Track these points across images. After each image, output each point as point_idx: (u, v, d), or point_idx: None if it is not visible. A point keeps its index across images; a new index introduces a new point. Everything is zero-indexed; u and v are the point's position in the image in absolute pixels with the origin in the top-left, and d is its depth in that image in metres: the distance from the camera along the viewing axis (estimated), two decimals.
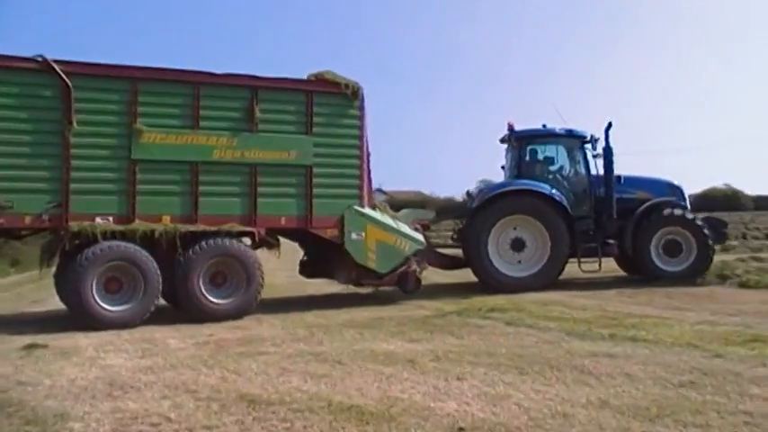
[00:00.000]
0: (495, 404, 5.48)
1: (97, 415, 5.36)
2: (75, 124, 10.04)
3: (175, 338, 8.94)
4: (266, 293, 11.39)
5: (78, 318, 9.96)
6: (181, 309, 10.85)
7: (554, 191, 14.50)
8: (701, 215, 15.81)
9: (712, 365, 6.66)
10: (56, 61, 10.01)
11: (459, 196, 41.64)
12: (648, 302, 11.62)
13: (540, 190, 14.37)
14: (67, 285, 10.02)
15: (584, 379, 6.27)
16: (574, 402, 5.49)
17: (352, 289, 13.21)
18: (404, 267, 12.39)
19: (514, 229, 14.35)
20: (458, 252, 15.29)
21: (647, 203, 14.91)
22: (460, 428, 4.87)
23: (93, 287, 9.85)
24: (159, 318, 10.29)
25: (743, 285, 13.30)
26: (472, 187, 15.88)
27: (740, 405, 5.34)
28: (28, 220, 9.94)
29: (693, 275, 14.41)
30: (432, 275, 14.93)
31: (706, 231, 14.68)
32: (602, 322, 9.42)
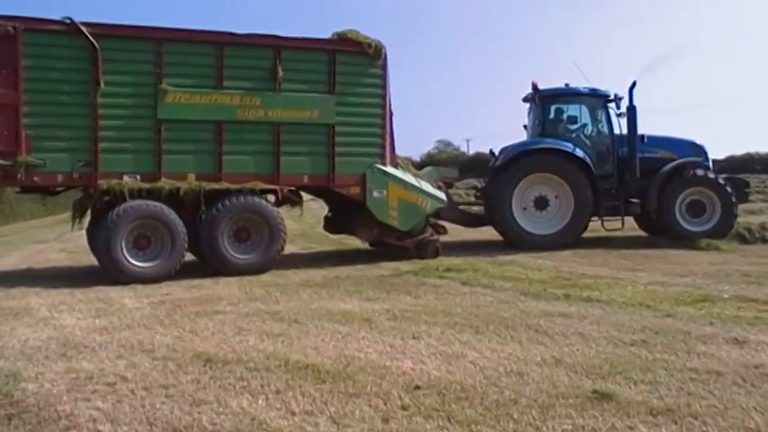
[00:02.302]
0: (450, 363, 5.54)
1: (51, 375, 5.30)
2: (102, 85, 10.22)
3: (131, 298, 8.85)
4: None
5: (109, 273, 10.22)
6: (206, 263, 11.09)
7: (577, 150, 14.58)
8: (723, 175, 15.90)
9: (663, 324, 6.81)
10: (83, 23, 10.14)
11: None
12: (603, 263, 11.80)
13: (563, 149, 14.50)
14: (98, 242, 10.37)
15: (538, 338, 6.37)
16: (528, 361, 5.57)
17: (308, 249, 13.19)
18: (425, 235, 12.65)
19: (538, 187, 14.52)
20: (480, 210, 15.62)
21: (672, 164, 14.96)
22: (416, 387, 4.91)
23: (123, 244, 10.17)
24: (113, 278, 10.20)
25: (694, 248, 13.57)
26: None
27: (687, 362, 5.48)
28: (60, 178, 10.29)
29: (718, 235, 14.55)
30: None
31: (730, 191, 14.84)
32: (557, 283, 9.56)
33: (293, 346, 6.16)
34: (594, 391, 4.72)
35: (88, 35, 10.10)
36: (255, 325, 7.08)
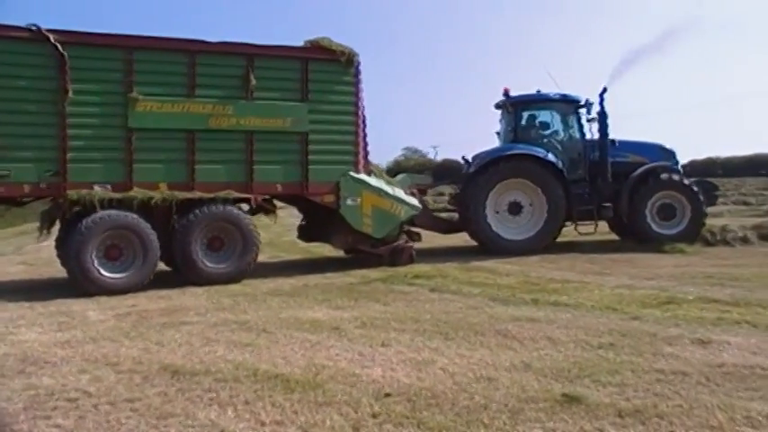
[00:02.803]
0: (420, 369, 5.53)
1: (7, 393, 5.14)
2: (70, 94, 10.07)
3: (95, 310, 8.69)
4: None
5: (79, 285, 10.02)
6: (180, 273, 11.00)
7: (550, 155, 14.70)
8: (692, 178, 16.05)
9: (629, 327, 6.89)
10: (50, 31, 10.00)
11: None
12: (570, 268, 11.89)
13: (536, 154, 14.62)
14: (68, 253, 10.14)
15: (507, 343, 6.39)
16: (497, 366, 5.59)
17: (276, 257, 13.12)
18: (399, 242, 12.70)
19: (511, 193, 14.62)
20: (454, 216, 15.69)
21: (643, 168, 15.13)
22: (386, 394, 4.90)
23: (94, 255, 10.03)
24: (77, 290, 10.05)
25: (660, 251, 13.74)
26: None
27: (654, 364, 5.54)
28: (27, 188, 10.06)
29: (688, 238, 14.74)
30: None
31: (700, 196, 15.01)
32: (526, 288, 9.61)
33: (262, 356, 6.11)
34: (563, 395, 4.75)
35: (55, 43, 9.97)
36: (224, 335, 7.00)
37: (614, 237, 15.77)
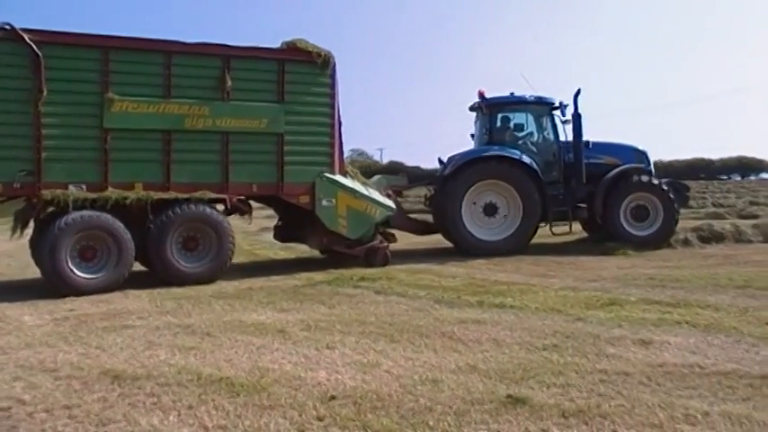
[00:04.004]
0: (365, 372, 5.51)
1: None
2: (45, 93, 10.01)
3: (31, 315, 8.42)
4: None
5: (53, 286, 9.96)
6: (155, 273, 11.02)
7: (524, 157, 14.81)
8: (664, 180, 16.28)
9: (574, 329, 6.97)
10: (24, 30, 9.94)
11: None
12: (515, 270, 12.00)
13: (511, 156, 14.73)
14: (42, 253, 10.10)
15: (452, 345, 6.40)
16: (443, 368, 5.59)
17: None
18: (374, 242, 12.74)
19: (487, 194, 14.74)
20: (429, 218, 15.81)
21: (617, 170, 15.32)
22: (332, 397, 4.87)
23: (68, 255, 9.98)
24: (13, 293, 9.81)
25: (604, 253, 13.96)
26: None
27: (597, 364, 5.62)
28: (0, 188, 9.98)
29: (661, 239, 15.06)
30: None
31: (672, 197, 15.25)
32: (471, 290, 9.65)
33: (206, 360, 6.01)
34: (508, 396, 4.77)
35: (29, 42, 9.89)
36: (166, 339, 6.87)
37: (560, 239, 15.95)
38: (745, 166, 78.48)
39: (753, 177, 67.01)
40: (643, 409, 4.54)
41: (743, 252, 14.01)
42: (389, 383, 5.18)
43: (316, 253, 14.98)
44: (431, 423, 4.34)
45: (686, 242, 15.23)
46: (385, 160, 56.66)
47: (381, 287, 10.02)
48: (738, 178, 66.88)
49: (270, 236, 17.78)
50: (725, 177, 63.95)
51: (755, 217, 21.90)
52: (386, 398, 4.83)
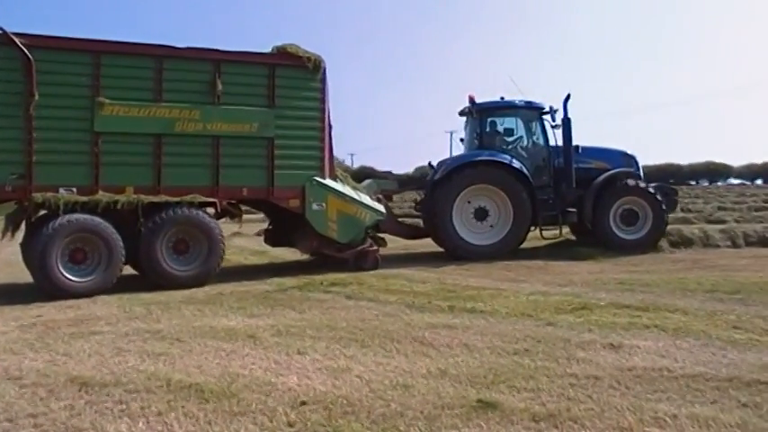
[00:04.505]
0: (336, 377, 5.49)
1: None
2: (37, 97, 10.08)
3: None
4: None
5: (43, 289, 10.06)
6: (145, 276, 11.13)
7: (515, 161, 14.88)
8: (653, 184, 16.39)
9: (544, 333, 7.00)
10: (16, 34, 10.03)
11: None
12: (486, 275, 12.02)
13: (502, 160, 14.80)
14: (32, 256, 10.20)
15: (423, 350, 6.40)
16: (414, 373, 5.59)
17: None
18: (365, 246, 12.80)
19: (477, 198, 14.81)
20: (418, 222, 15.97)
21: (606, 174, 15.40)
22: (302, 402, 4.84)
23: (58, 258, 10.03)
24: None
25: (574, 258, 14.05)
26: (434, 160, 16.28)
27: (568, 368, 5.65)
28: None
29: (650, 242, 15.21)
30: (279, 251, 14.89)
31: (661, 200, 15.37)
32: (442, 295, 9.65)
33: (175, 366, 5.95)
34: (479, 401, 4.78)
35: (21, 46, 9.97)
36: (135, 345, 6.79)
37: (529, 244, 16.01)
38: (713, 172, 79.70)
39: (720, 183, 68.01)
40: (613, 412, 4.57)
41: (711, 257, 14.19)
42: (360, 388, 5.17)
43: (287, 258, 14.97)
44: (402, 428, 4.33)
45: (656, 247, 15.36)
46: (356, 165, 56.76)
47: (352, 292, 10.00)
48: (706, 183, 67.87)
49: (240, 241, 17.75)
50: (693, 183, 64.82)
51: (723, 222, 22.18)
52: (356, 403, 4.82)
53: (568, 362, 5.88)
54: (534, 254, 14.92)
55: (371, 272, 12.26)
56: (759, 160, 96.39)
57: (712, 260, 13.57)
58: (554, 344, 6.52)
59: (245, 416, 4.60)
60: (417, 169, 62.00)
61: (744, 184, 74.18)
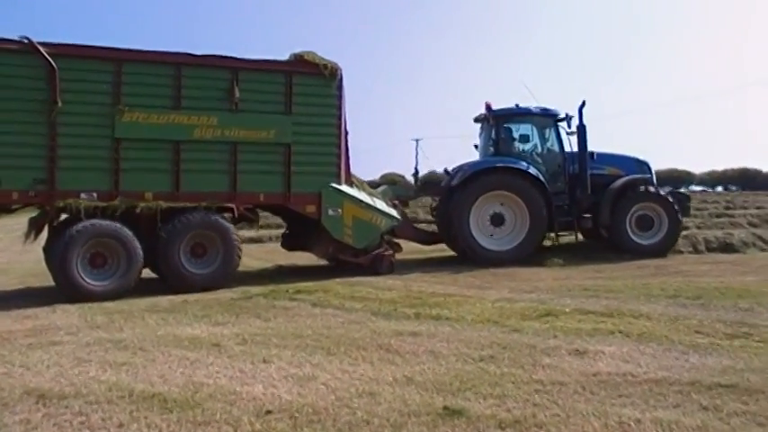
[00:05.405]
0: (302, 385, 5.45)
1: None
2: (60, 104, 10.38)
3: None
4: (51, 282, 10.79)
5: (64, 292, 10.30)
6: (164, 279, 11.40)
7: (531, 168, 15.01)
8: (665, 189, 16.61)
9: (510, 340, 7.02)
10: (41, 43, 10.35)
11: None
12: (452, 282, 12.04)
13: (518, 167, 14.95)
14: (54, 260, 10.48)
15: (389, 357, 6.39)
16: (380, 380, 5.57)
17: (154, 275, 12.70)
18: (380, 250, 13.04)
19: (494, 204, 14.95)
20: (434, 228, 16.06)
21: (623, 180, 15.59)
22: (268, 411, 4.80)
23: (78, 262, 10.32)
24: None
25: (539, 264, 14.13)
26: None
27: (533, 375, 5.67)
28: (15, 195, 10.41)
29: (665, 248, 15.46)
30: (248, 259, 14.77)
31: (676, 207, 15.56)
32: (408, 302, 9.64)
33: (138, 376, 5.86)
34: (445, 408, 4.77)
35: (46, 55, 10.27)
36: (97, 355, 6.67)
37: None
38: (676, 179, 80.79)
39: (683, 189, 69.09)
40: (578, 418, 4.59)
41: (673, 263, 14.36)
42: (326, 397, 5.14)
43: (252, 266, 14.84)
44: None
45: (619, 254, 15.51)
46: None
47: (318, 300, 9.95)
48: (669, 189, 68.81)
49: None
50: None
51: (685, 228, 22.44)
52: (322, 411, 4.78)
53: (534, 368, 5.90)
54: (500, 261, 14.95)
55: (337, 279, 12.21)
56: (720, 167, 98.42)
57: (675, 266, 13.75)
58: (520, 350, 6.53)
59: (209, 426, 4.54)
60: (383, 177, 62.15)
61: (705, 191, 75.50)
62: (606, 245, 15.68)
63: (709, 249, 16.42)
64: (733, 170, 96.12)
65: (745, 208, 31.26)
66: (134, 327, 8.18)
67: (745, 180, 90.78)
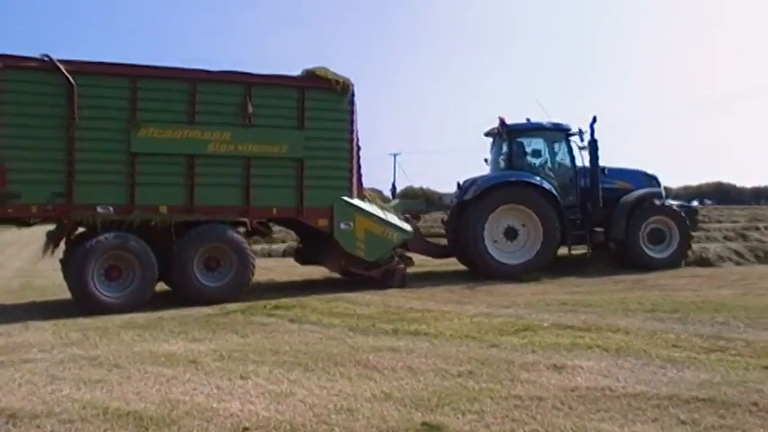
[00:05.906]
0: (279, 402, 5.41)
1: None
2: (78, 119, 10.61)
3: None
4: (37, 296, 10.64)
5: (81, 304, 10.57)
6: (178, 292, 11.58)
7: (545, 182, 15.09)
8: (675, 203, 16.80)
9: (488, 355, 7.01)
10: (60, 61, 10.58)
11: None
12: (430, 297, 12.00)
13: (532, 181, 15.04)
14: (71, 273, 10.72)
15: (367, 373, 6.35)
16: (358, 397, 5.54)
17: None
18: (392, 264, 13.11)
19: (507, 218, 15.00)
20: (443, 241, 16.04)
21: (636, 194, 15.77)
22: (245, 428, 4.76)
23: (95, 275, 10.57)
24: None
25: (517, 280, 14.15)
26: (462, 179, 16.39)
27: (512, 390, 5.66)
28: (34, 209, 10.64)
29: (676, 261, 15.66)
30: None
31: (687, 220, 15.74)
32: (386, 317, 9.61)
33: (113, 393, 5.78)
34: (424, 424, 4.75)
35: (65, 72, 10.50)
36: (71, 372, 6.57)
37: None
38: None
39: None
40: None
41: (651, 277, 14.42)
42: (304, 413, 5.09)
43: None
44: None
45: (597, 267, 15.60)
46: None
47: (295, 315, 9.89)
48: None
49: None
50: None
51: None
52: (300, 428, 4.75)
53: (512, 383, 5.89)
54: (477, 276, 14.97)
55: (315, 295, 12.14)
56: (695, 182, 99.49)
57: (652, 280, 13.82)
58: (498, 366, 6.52)
59: None
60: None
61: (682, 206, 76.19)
62: (614, 258, 15.81)
63: (686, 264, 16.54)
64: (708, 184, 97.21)
65: (720, 221, 31.60)
66: (109, 343, 8.06)
67: (719, 194, 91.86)
